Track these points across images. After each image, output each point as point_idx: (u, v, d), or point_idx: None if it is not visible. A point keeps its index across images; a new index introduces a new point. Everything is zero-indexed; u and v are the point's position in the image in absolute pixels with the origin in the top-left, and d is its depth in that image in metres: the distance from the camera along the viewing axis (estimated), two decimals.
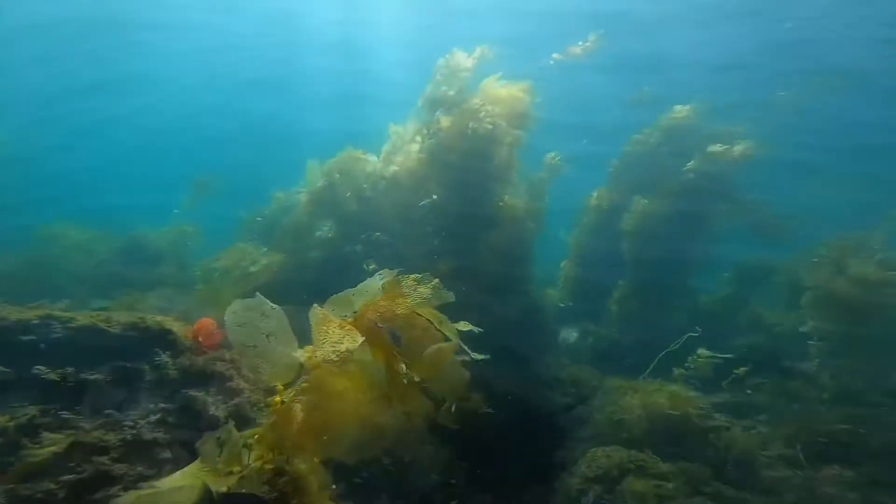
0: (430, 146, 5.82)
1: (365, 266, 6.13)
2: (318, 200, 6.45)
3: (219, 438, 2.09)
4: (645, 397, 4.69)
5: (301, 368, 2.36)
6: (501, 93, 5.83)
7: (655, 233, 7.42)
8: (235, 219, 8.29)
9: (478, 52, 5.93)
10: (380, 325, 2.57)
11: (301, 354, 2.37)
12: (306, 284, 6.74)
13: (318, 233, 7.05)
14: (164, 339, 3.09)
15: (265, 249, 6.88)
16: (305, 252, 6.74)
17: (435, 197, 6.40)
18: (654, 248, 7.30)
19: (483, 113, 5.66)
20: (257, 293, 2.35)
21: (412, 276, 2.76)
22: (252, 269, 6.63)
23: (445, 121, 5.65)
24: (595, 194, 8.62)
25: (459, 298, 6.94)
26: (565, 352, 6.92)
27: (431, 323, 2.82)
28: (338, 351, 2.28)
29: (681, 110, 8.66)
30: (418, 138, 5.99)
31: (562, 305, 8.11)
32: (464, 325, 2.98)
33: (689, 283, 7.83)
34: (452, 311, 6.84)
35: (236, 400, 3.12)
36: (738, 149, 8.05)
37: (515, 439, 4.75)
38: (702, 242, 7.82)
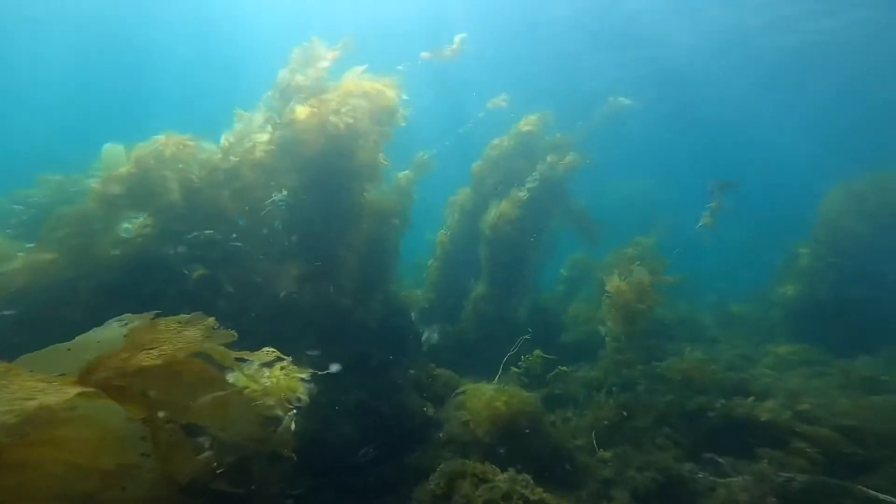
0: (282, 137, 5.06)
1: (185, 271, 5.14)
2: (121, 189, 5.04)
3: None
4: (489, 399, 5.01)
5: None
6: (366, 86, 5.38)
7: (505, 235, 8.06)
8: None
9: (341, 43, 5.32)
10: (116, 384, 2.05)
11: None
12: (102, 290, 5.31)
13: (125, 225, 5.61)
14: None
15: (30, 245, 5.12)
16: (94, 250, 5.21)
17: (286, 192, 5.69)
18: (504, 249, 7.94)
19: (345, 107, 5.15)
20: None
21: (175, 317, 2.34)
22: None
23: (302, 111, 4.97)
24: (459, 194, 8.89)
25: (317, 302, 6.32)
26: (426, 353, 7.08)
27: (213, 362, 2.44)
28: (20, 410, 1.68)
29: (529, 120, 9.47)
30: (269, 127, 5.16)
31: (426, 306, 8.27)
32: (265, 355, 2.67)
33: (532, 283, 8.79)
34: (306, 317, 6.19)
35: None
36: (568, 158, 9.23)
37: (368, 447, 4.66)
38: (543, 243, 8.84)
